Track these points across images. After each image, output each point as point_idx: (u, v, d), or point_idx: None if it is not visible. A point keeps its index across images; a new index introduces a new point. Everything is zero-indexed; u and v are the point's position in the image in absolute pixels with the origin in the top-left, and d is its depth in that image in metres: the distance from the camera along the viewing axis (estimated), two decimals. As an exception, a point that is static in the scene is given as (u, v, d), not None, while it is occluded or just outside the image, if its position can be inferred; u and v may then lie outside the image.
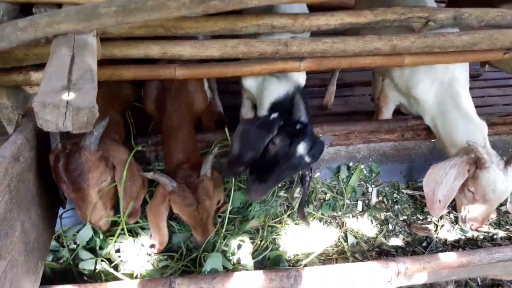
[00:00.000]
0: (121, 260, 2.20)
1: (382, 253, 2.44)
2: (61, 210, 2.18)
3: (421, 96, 2.62)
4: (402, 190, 2.85)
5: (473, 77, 4.62)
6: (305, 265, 2.30)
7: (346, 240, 2.54)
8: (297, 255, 2.38)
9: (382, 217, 2.71)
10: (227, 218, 2.26)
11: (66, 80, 1.41)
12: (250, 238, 2.35)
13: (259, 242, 2.36)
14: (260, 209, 2.51)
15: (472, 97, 2.52)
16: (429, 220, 2.72)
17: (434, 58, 2.45)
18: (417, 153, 2.93)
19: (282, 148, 1.91)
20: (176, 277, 1.78)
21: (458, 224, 2.58)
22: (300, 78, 2.42)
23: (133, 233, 2.35)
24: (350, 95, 4.42)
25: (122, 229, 2.11)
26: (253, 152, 1.94)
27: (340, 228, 2.60)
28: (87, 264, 2.12)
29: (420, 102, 2.64)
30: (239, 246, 2.24)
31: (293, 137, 1.92)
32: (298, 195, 2.68)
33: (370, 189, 2.82)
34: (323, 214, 2.66)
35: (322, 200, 2.75)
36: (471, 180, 2.26)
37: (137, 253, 2.21)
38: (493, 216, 2.77)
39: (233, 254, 2.18)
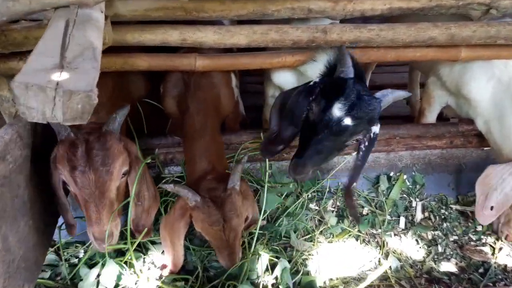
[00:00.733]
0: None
1: (433, 280, 2.06)
2: (61, 219, 1.87)
3: (474, 96, 2.27)
4: (451, 206, 2.48)
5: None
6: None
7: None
8: (332, 279, 2.03)
9: (429, 237, 2.34)
10: (256, 234, 1.92)
11: (59, 57, 1.10)
12: (276, 259, 2.01)
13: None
14: (288, 223, 2.17)
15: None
16: (483, 241, 2.34)
17: (494, 52, 2.10)
18: (468, 162, 2.55)
19: (317, 113, 1.56)
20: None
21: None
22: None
23: (142, 248, 2.03)
24: (382, 99, 4.04)
25: (131, 242, 1.79)
26: (293, 126, 1.68)
27: (380, 248, 2.24)
28: (87, 285, 1.80)
29: (473, 103, 2.29)
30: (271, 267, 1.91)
31: (331, 98, 1.54)
32: (332, 208, 2.34)
33: (414, 203, 2.46)
34: (360, 231, 2.30)
35: (359, 215, 2.39)
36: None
37: (146, 275, 1.88)
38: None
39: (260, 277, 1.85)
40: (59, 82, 0.99)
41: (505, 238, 2.24)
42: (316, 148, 1.56)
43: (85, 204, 1.60)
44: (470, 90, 2.27)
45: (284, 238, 2.15)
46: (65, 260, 2.02)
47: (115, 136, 1.66)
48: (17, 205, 1.43)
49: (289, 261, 2.01)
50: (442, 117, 2.93)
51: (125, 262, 1.90)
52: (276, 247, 2.09)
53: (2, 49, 1.64)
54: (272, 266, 1.97)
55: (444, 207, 2.47)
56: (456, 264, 2.19)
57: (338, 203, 2.37)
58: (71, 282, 1.91)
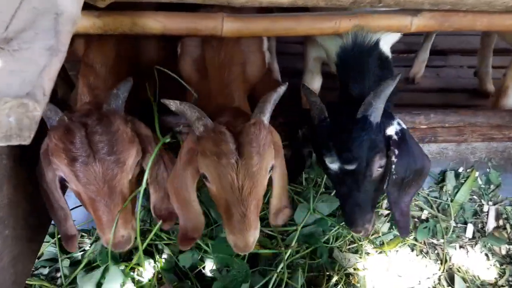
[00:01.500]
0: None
1: (509, 312, 1.65)
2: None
3: None
4: (533, 213, 2.00)
5: None
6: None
7: (450, 282, 1.76)
8: (381, 302, 1.65)
9: (503, 251, 1.89)
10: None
11: (4, 29, 0.70)
12: (317, 272, 1.65)
13: (325, 279, 1.65)
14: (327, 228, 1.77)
15: None
16: None
17: None
18: (559, 159, 2.03)
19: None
20: None
21: None
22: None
23: (155, 250, 1.71)
24: (443, 66, 3.46)
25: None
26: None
27: (441, 263, 1.83)
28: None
29: None
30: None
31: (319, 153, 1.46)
32: (384, 210, 1.91)
33: (485, 208, 2.00)
34: (416, 240, 1.88)
35: (416, 220, 1.97)
36: None
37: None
38: None
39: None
40: (-20, 78, 0.59)
41: None
42: (351, 202, 1.41)
43: (92, 205, 1.26)
44: None
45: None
46: (66, 256, 1.73)
47: (120, 116, 1.32)
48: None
49: (328, 278, 1.64)
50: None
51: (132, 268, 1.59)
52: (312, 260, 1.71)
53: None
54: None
55: (524, 214, 1.99)
56: (539, 291, 1.76)
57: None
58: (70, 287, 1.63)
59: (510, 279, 1.81)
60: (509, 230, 1.96)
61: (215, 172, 1.21)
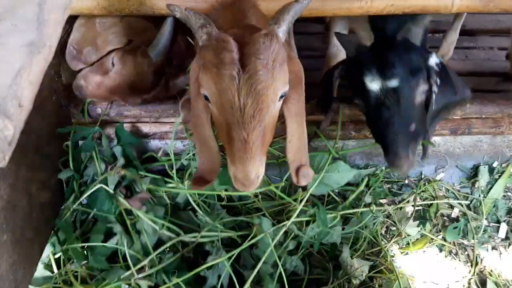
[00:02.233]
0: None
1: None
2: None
3: None
4: None
5: None
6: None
7: (481, 286, 1.64)
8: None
9: (540, 254, 1.75)
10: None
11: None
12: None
13: (347, 284, 1.53)
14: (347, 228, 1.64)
15: None
16: None
17: None
18: None
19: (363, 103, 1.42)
20: None
21: None
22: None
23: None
24: (472, 48, 3.22)
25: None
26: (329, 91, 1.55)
27: (472, 266, 1.69)
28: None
29: None
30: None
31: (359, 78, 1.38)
32: (412, 205, 1.77)
33: (521, 206, 1.84)
34: (445, 240, 1.75)
35: (445, 218, 1.83)
36: None
37: None
38: None
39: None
40: None
41: None
42: (394, 131, 1.33)
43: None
44: None
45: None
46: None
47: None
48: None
49: (348, 282, 1.52)
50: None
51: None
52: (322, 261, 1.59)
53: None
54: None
55: None
56: None
57: (419, 200, 1.80)
58: None
59: (547, 284, 1.67)
60: (546, 230, 1.81)
61: (214, 88, 1.03)
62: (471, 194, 1.85)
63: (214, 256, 1.45)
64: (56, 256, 1.50)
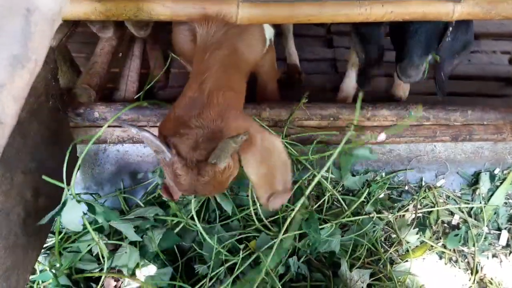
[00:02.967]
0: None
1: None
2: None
3: None
4: None
5: None
6: None
7: (481, 295, 1.62)
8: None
9: (542, 262, 1.73)
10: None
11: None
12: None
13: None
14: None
15: None
16: None
17: None
18: None
19: None
20: None
21: None
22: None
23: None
24: (475, 51, 3.20)
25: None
26: (377, 44, 1.66)
27: (472, 274, 1.68)
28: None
29: None
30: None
31: None
32: (413, 215, 1.75)
33: (523, 213, 1.82)
34: (445, 247, 1.73)
35: (445, 225, 1.81)
36: None
37: None
38: None
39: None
40: None
41: None
42: (413, 39, 1.51)
43: None
44: None
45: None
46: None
47: None
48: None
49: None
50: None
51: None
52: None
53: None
54: None
55: None
56: None
57: (419, 206, 1.78)
58: None
59: (548, 294, 1.65)
60: (548, 238, 1.79)
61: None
62: (472, 201, 1.83)
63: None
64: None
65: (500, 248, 1.77)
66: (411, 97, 2.25)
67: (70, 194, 1.27)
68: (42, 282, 1.49)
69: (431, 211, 1.78)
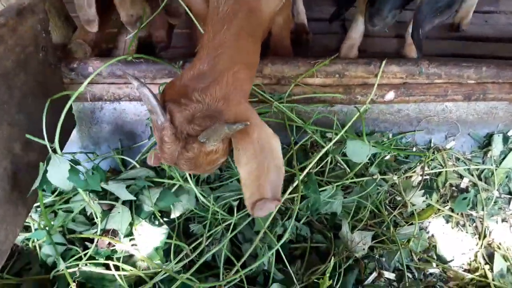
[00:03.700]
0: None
1: (558, 299, 1.45)
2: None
3: None
4: None
5: None
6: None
7: (488, 260, 1.56)
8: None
9: (553, 228, 1.66)
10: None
11: None
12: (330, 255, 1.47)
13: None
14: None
15: None
16: None
17: None
18: None
19: None
20: None
21: None
22: None
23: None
24: (493, 12, 3.04)
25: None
26: None
27: (479, 238, 1.62)
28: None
29: None
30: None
31: None
32: (419, 177, 1.68)
33: (536, 177, 1.74)
34: (453, 211, 1.67)
35: (454, 188, 1.74)
36: None
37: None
38: None
39: None
40: None
41: None
42: None
43: None
44: None
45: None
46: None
47: None
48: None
49: (347, 258, 1.45)
50: None
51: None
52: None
53: None
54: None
55: None
56: None
57: (427, 168, 1.71)
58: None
59: (559, 259, 1.59)
60: (561, 203, 1.71)
61: None
62: (483, 163, 1.75)
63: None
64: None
65: (510, 213, 1.70)
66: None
67: (54, 151, 1.20)
68: (37, 240, 1.46)
69: (439, 174, 1.71)
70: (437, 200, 1.68)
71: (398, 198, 1.66)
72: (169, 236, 1.46)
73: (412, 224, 1.59)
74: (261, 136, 1.07)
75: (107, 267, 1.34)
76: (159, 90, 1.60)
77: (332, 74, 1.62)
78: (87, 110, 1.75)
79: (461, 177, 1.74)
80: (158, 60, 1.58)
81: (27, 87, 1.33)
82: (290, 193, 1.42)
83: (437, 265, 1.52)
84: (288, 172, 1.54)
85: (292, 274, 1.32)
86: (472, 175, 1.72)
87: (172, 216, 1.50)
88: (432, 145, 1.78)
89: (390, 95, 1.65)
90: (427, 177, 1.70)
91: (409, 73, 1.59)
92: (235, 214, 1.44)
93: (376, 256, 1.49)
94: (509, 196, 1.73)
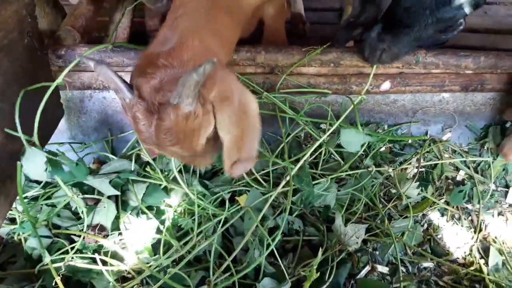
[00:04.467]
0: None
1: (553, 294, 1.43)
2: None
3: None
4: None
5: None
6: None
7: (484, 254, 1.54)
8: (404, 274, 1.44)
9: (550, 222, 1.64)
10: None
11: None
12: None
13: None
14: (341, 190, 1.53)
15: None
16: None
17: None
18: None
19: None
20: None
21: None
22: None
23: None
24: (493, 3, 3.00)
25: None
26: (376, 7, 1.44)
27: (475, 232, 1.59)
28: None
29: None
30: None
31: None
32: (415, 169, 1.65)
33: (533, 170, 1.71)
34: (448, 204, 1.64)
35: (450, 181, 1.71)
36: None
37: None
38: None
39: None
40: None
41: None
42: (414, 25, 1.23)
43: None
44: None
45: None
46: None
47: None
48: None
49: (339, 251, 1.43)
50: None
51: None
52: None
53: None
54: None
55: None
56: None
57: (422, 161, 1.67)
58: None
59: (555, 253, 1.56)
60: (558, 197, 1.69)
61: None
62: (480, 156, 1.72)
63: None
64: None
65: (506, 206, 1.68)
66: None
67: (32, 143, 1.15)
68: (23, 233, 1.43)
69: (434, 166, 1.68)
70: (433, 193, 1.65)
71: (393, 191, 1.63)
72: (159, 230, 1.43)
73: (406, 217, 1.57)
74: (242, 101, 1.03)
75: (94, 260, 1.31)
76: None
77: (327, 63, 1.58)
78: (76, 99, 1.70)
79: (457, 169, 1.71)
80: (138, 48, 1.53)
81: (11, 74, 1.28)
82: (283, 187, 1.39)
83: (431, 259, 1.49)
84: (280, 165, 1.50)
85: (283, 268, 1.29)
86: (469, 168, 1.69)
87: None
88: (428, 136, 1.74)
89: (386, 85, 1.61)
90: (423, 169, 1.67)
91: (405, 62, 1.55)
92: (227, 208, 1.40)
93: (370, 250, 1.46)
94: (506, 189, 1.70)
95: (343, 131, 1.40)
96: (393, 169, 1.61)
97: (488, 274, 1.46)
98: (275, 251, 1.31)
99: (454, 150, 1.73)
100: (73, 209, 1.42)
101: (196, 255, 1.37)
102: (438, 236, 1.58)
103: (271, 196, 1.36)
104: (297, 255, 1.40)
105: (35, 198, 1.52)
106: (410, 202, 1.58)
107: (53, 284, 1.19)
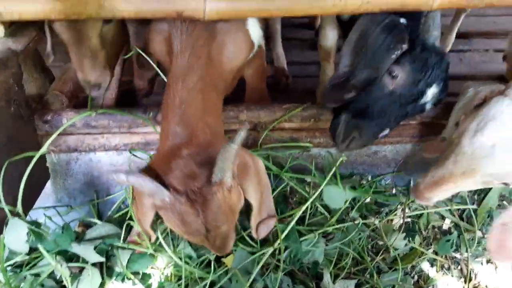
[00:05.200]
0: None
1: None
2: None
3: None
4: None
5: None
6: None
7: (476, 304, 1.52)
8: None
9: (539, 267, 1.63)
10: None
11: None
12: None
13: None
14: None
15: None
16: None
17: None
18: None
19: (404, 86, 1.36)
20: None
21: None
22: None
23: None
24: (467, 50, 3.15)
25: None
26: (372, 71, 1.36)
27: (465, 281, 1.58)
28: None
29: None
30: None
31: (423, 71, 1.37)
32: (401, 220, 1.66)
33: (518, 216, 1.72)
34: (436, 254, 1.63)
35: (436, 230, 1.71)
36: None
37: None
38: None
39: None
40: None
41: None
42: (384, 124, 1.40)
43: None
44: None
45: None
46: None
47: None
48: None
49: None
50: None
51: None
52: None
53: None
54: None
55: None
56: None
57: (408, 210, 1.69)
58: None
59: (547, 300, 1.55)
60: (545, 241, 1.69)
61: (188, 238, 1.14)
62: (464, 203, 1.73)
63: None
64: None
65: (494, 254, 1.67)
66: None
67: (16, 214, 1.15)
68: (6, 304, 1.38)
69: (420, 216, 1.68)
70: (420, 243, 1.65)
71: (380, 243, 1.63)
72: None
73: (396, 269, 1.55)
74: (255, 163, 1.12)
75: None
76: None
77: (307, 118, 1.62)
78: (62, 162, 1.71)
79: (443, 218, 1.72)
80: (124, 114, 1.57)
81: (-4, 142, 1.30)
82: (269, 245, 1.39)
83: (423, 312, 1.46)
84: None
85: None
86: (454, 216, 1.70)
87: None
88: (412, 185, 1.76)
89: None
90: (409, 219, 1.67)
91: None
92: (212, 271, 1.38)
93: (360, 306, 1.43)
94: (492, 236, 1.70)
95: (325, 189, 1.42)
96: (379, 221, 1.61)
97: (481, 326, 1.43)
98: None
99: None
100: (57, 277, 1.39)
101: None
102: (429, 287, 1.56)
103: (260, 257, 1.36)
104: (286, 315, 1.37)
105: (19, 266, 1.49)
106: (398, 254, 1.58)
107: None
